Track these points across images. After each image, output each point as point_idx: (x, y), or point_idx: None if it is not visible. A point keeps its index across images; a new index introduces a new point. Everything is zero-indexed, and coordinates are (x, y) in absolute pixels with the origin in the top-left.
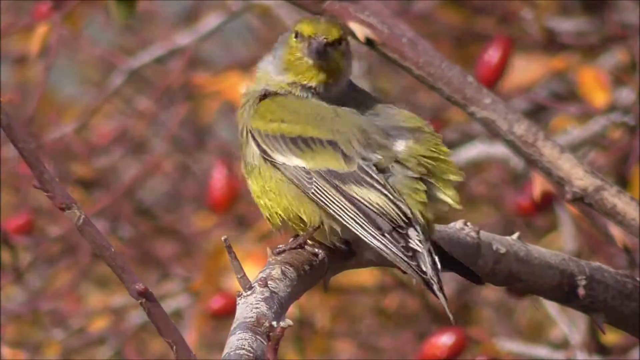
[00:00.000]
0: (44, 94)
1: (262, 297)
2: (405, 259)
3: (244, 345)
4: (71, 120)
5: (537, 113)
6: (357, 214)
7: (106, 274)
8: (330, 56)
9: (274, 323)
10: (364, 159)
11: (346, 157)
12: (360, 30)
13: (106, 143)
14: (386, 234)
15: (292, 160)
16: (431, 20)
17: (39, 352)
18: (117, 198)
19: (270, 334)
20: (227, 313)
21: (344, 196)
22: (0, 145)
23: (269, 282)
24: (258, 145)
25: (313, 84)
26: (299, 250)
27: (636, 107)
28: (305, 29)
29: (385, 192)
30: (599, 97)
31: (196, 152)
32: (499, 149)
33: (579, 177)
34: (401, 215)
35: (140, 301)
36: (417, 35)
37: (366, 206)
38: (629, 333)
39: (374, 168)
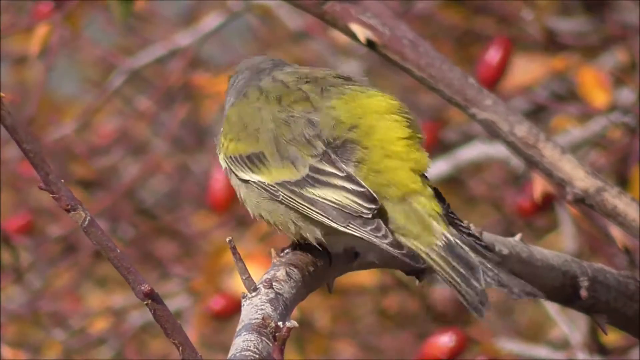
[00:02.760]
0: (44, 94)
1: (267, 298)
2: (376, 239)
3: (250, 347)
4: (71, 120)
5: (537, 113)
6: (321, 212)
7: (106, 274)
8: None
9: (280, 324)
10: (314, 155)
11: (295, 163)
12: (361, 32)
13: (106, 143)
14: (351, 223)
15: (253, 177)
16: (431, 21)
17: (39, 352)
18: (118, 198)
19: (277, 334)
20: (227, 313)
21: (304, 198)
22: (0, 146)
23: (273, 284)
24: (227, 165)
25: None
26: (303, 251)
27: (636, 107)
28: None
29: (342, 184)
30: (599, 97)
31: (196, 152)
32: (499, 150)
33: (580, 178)
34: (362, 205)
35: (146, 302)
36: (418, 37)
37: (326, 203)
38: (631, 334)
39: (330, 157)
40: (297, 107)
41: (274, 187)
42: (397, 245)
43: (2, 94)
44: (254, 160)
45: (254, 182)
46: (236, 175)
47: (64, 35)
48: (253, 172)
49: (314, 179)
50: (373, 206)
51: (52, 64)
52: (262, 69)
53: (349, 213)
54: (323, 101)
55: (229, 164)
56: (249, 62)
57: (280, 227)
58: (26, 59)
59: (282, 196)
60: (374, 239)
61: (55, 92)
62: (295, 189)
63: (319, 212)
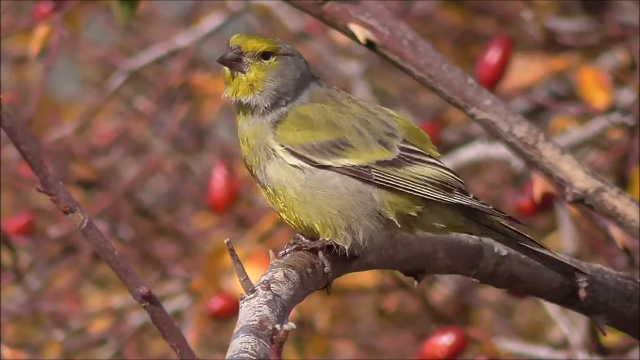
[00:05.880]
0: (43, 94)
1: (265, 300)
2: (483, 205)
3: (247, 349)
4: (71, 120)
5: (537, 113)
6: (422, 183)
7: (106, 274)
8: (239, 66)
9: (277, 326)
10: (398, 141)
11: (386, 145)
12: (360, 32)
13: (106, 144)
14: (456, 193)
15: (338, 162)
16: (431, 21)
17: (39, 352)
18: (117, 199)
19: (274, 337)
20: (227, 314)
21: (404, 175)
22: (0, 146)
23: (271, 285)
24: (295, 155)
25: (230, 96)
26: (301, 253)
27: (636, 108)
28: (231, 40)
29: (434, 161)
30: (599, 98)
31: (196, 152)
32: (499, 150)
33: (580, 178)
34: (458, 179)
35: (143, 304)
36: (417, 37)
37: (425, 178)
38: (629, 335)
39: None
40: (373, 109)
41: (366, 167)
42: (498, 211)
43: (1, 95)
44: (338, 145)
45: (338, 168)
46: (312, 162)
47: (64, 36)
48: (339, 156)
49: (408, 157)
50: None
51: (52, 64)
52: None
53: (449, 187)
54: (389, 111)
55: (300, 152)
56: (294, 52)
57: (335, 224)
58: (26, 59)
59: (375, 174)
60: (481, 206)
61: (55, 93)
62: (393, 167)
63: (421, 183)
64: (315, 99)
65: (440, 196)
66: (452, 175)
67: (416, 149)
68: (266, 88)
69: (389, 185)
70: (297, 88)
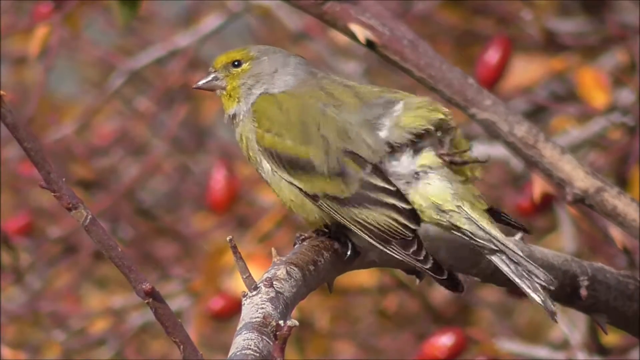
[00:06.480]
0: (43, 94)
1: (268, 297)
2: (418, 263)
3: (250, 345)
4: (71, 121)
5: (537, 114)
6: (363, 229)
7: (106, 274)
8: (216, 85)
9: (281, 322)
10: (365, 168)
11: (346, 178)
12: (361, 32)
13: (106, 144)
14: (393, 244)
15: (287, 178)
16: (431, 21)
17: (39, 353)
18: (117, 199)
19: (277, 333)
20: (227, 314)
21: (348, 214)
22: (0, 146)
23: (274, 283)
24: (261, 151)
25: (225, 115)
26: (304, 251)
27: (636, 108)
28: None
29: (392, 201)
30: (599, 98)
31: (196, 152)
32: (498, 150)
33: (580, 178)
34: (407, 227)
35: (147, 301)
36: (417, 37)
37: (367, 223)
38: (630, 334)
39: (381, 170)
40: (376, 98)
41: (315, 195)
42: (438, 270)
43: (2, 92)
44: (294, 166)
45: (290, 182)
46: (269, 165)
47: (64, 36)
48: (290, 175)
49: (363, 197)
50: (416, 227)
51: (52, 64)
52: (298, 62)
53: (388, 238)
54: (400, 96)
55: (263, 154)
56: (272, 51)
57: (309, 220)
58: (26, 59)
59: (322, 203)
60: (416, 263)
61: (55, 93)
62: (340, 206)
63: (362, 229)
64: (301, 87)
65: (374, 243)
66: (403, 221)
67: (382, 185)
68: (243, 93)
69: (332, 214)
70: (274, 78)
